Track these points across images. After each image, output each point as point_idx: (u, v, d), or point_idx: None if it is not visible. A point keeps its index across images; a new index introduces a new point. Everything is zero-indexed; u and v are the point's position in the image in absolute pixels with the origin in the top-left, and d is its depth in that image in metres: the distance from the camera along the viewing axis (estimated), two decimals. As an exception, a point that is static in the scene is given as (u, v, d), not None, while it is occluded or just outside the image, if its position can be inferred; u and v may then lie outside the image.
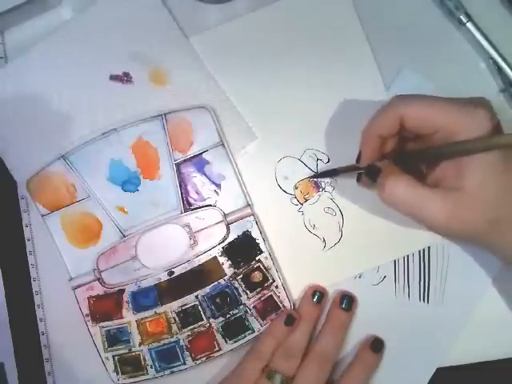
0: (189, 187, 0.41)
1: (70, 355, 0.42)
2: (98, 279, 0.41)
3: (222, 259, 0.40)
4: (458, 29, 0.41)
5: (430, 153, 0.35)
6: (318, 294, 0.40)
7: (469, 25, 0.40)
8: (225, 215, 0.40)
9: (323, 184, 0.41)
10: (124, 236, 0.41)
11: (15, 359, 0.42)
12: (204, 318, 0.41)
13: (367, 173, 0.37)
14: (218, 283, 0.40)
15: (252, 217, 0.40)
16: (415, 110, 0.34)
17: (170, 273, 0.40)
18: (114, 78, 0.41)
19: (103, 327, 0.41)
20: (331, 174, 0.41)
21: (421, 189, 0.34)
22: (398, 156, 0.37)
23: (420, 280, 0.41)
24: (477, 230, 0.33)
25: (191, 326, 0.41)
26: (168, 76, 0.41)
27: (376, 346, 0.40)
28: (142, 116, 0.40)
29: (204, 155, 0.41)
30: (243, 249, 0.40)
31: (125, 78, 0.41)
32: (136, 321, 0.41)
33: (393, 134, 0.35)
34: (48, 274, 0.42)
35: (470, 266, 0.41)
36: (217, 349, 0.41)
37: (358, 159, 0.37)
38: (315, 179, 0.41)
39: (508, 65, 0.40)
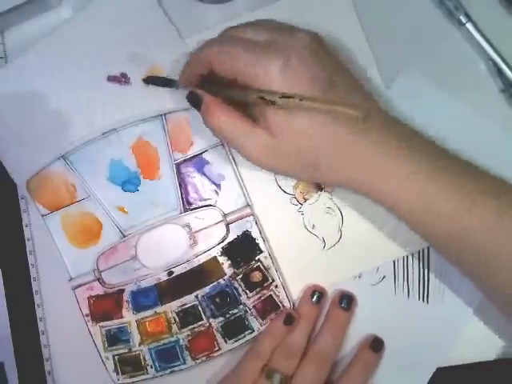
0: (189, 187, 0.41)
1: (69, 355, 0.42)
2: (98, 279, 0.41)
3: (221, 259, 0.40)
4: (457, 29, 0.41)
5: (228, 92, 0.35)
6: (317, 294, 0.40)
7: (468, 25, 0.40)
8: (224, 215, 0.40)
9: (323, 184, 0.41)
10: (124, 236, 0.41)
11: (15, 359, 0.42)
12: (204, 318, 0.41)
13: (189, 99, 0.37)
14: (218, 283, 0.41)
15: (252, 217, 0.40)
16: (218, 59, 0.34)
17: (170, 273, 0.40)
18: (111, 79, 0.41)
19: (103, 327, 0.41)
20: (164, 82, 0.40)
21: (244, 122, 0.34)
22: (210, 85, 0.37)
23: (420, 280, 0.41)
24: (295, 170, 0.35)
25: (191, 326, 0.41)
26: (166, 77, 0.41)
27: (376, 345, 0.40)
28: (142, 116, 0.41)
29: (204, 155, 0.41)
30: (243, 249, 0.40)
31: (122, 79, 0.41)
32: (136, 321, 0.41)
33: (208, 70, 0.36)
34: (48, 274, 0.42)
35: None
36: (216, 348, 0.41)
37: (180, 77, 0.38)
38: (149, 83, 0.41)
39: (508, 65, 0.40)
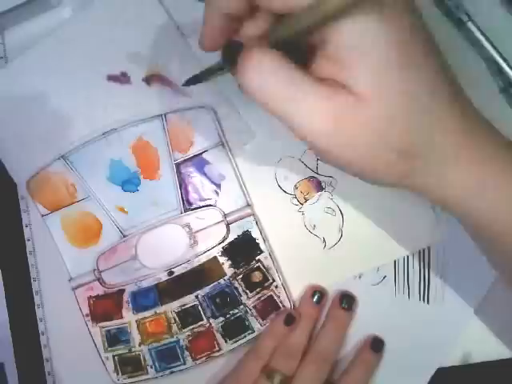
0: (189, 187, 0.41)
1: (70, 355, 0.42)
2: (98, 279, 0.41)
3: (221, 259, 0.40)
4: (458, 29, 0.41)
5: (287, 26, 0.24)
6: (317, 294, 0.40)
7: (469, 25, 0.40)
8: (225, 215, 0.40)
9: (323, 184, 0.41)
10: (124, 236, 0.41)
11: (15, 359, 0.42)
12: (204, 318, 0.41)
13: (226, 54, 0.27)
14: (218, 283, 0.40)
15: (252, 217, 0.40)
16: None
17: (170, 273, 0.40)
18: (111, 78, 0.41)
19: (103, 327, 0.41)
20: (196, 80, 0.33)
21: (299, 74, 0.23)
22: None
23: (420, 280, 0.41)
24: (377, 164, 0.23)
25: (191, 326, 0.41)
26: (166, 76, 0.41)
27: (376, 345, 0.40)
28: (142, 116, 0.40)
29: (204, 155, 0.41)
30: (243, 249, 0.40)
31: (122, 78, 0.41)
32: (136, 321, 0.41)
33: (241, 10, 0.25)
34: (48, 274, 0.42)
35: (470, 265, 0.41)
36: (217, 349, 0.41)
37: (201, 43, 0.27)
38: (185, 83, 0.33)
39: (508, 65, 0.40)
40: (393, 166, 0.23)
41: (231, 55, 0.25)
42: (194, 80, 0.33)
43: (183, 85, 0.34)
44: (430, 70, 0.23)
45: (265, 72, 0.23)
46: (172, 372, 0.41)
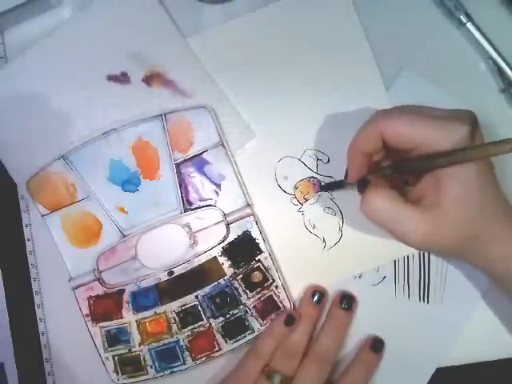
0: (189, 187, 0.41)
1: (69, 355, 0.42)
2: (98, 279, 0.41)
3: (221, 259, 0.40)
4: (458, 29, 0.41)
5: (405, 165, 0.35)
6: (317, 294, 0.40)
7: (469, 25, 0.40)
8: (225, 215, 0.40)
9: (323, 184, 0.41)
10: (124, 236, 0.41)
11: (15, 359, 0.42)
12: (204, 318, 0.41)
13: (359, 186, 0.37)
14: (218, 283, 0.40)
15: (252, 217, 0.40)
16: (393, 127, 0.33)
17: (170, 273, 0.40)
18: (111, 78, 0.41)
19: (103, 327, 0.41)
20: (337, 186, 0.41)
21: (400, 204, 0.34)
22: (381, 169, 0.37)
23: (420, 280, 0.41)
24: (453, 247, 0.34)
25: (191, 326, 0.41)
26: (166, 76, 0.41)
27: (376, 345, 0.40)
28: (142, 116, 0.40)
29: (204, 155, 0.41)
30: (243, 249, 0.40)
31: (122, 78, 0.41)
32: (136, 321, 0.41)
33: (376, 149, 0.35)
34: (48, 274, 0.42)
35: (470, 265, 0.41)
36: (217, 349, 0.41)
37: (346, 176, 0.38)
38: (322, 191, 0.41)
39: (508, 65, 0.40)
40: (457, 248, 0.34)
41: (361, 187, 0.37)
42: (332, 186, 0.41)
43: (324, 188, 0.41)
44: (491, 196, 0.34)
45: (376, 204, 0.34)
46: (172, 372, 0.41)
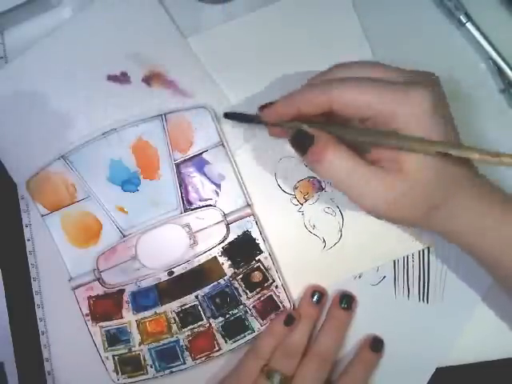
0: (189, 187, 0.41)
1: (70, 355, 0.42)
2: (98, 279, 0.41)
3: (221, 259, 0.40)
4: (458, 29, 0.41)
5: (361, 133, 0.32)
6: (317, 294, 0.40)
7: (469, 25, 0.40)
8: (225, 215, 0.40)
9: (323, 184, 0.41)
10: (124, 236, 0.41)
11: (15, 359, 0.42)
12: (204, 318, 0.41)
13: (294, 139, 0.32)
14: (218, 283, 0.40)
15: (252, 217, 0.40)
16: (346, 97, 0.31)
17: (170, 273, 0.40)
18: (111, 78, 0.41)
19: (103, 327, 0.41)
20: (245, 119, 0.38)
21: (362, 167, 0.31)
22: (328, 126, 0.33)
23: (420, 280, 0.41)
24: (416, 216, 0.32)
25: (191, 326, 0.41)
26: (166, 76, 0.41)
27: (376, 345, 0.40)
28: (142, 116, 0.40)
29: (204, 155, 0.41)
30: (243, 249, 0.40)
31: (122, 78, 0.41)
32: (136, 321, 0.41)
33: (315, 113, 0.32)
34: (48, 274, 0.42)
35: (470, 265, 0.41)
36: (216, 349, 0.41)
37: (262, 108, 0.35)
38: (228, 119, 0.39)
39: (508, 65, 0.40)
40: (426, 217, 0.32)
41: (301, 145, 0.32)
42: (233, 116, 0.39)
43: (224, 116, 0.39)
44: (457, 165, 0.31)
45: (337, 166, 0.31)
46: (172, 372, 0.41)
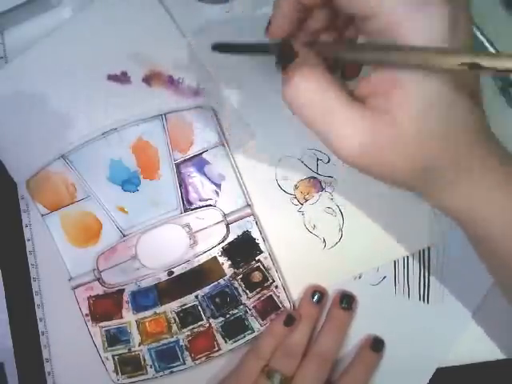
0: (189, 187, 0.41)
1: (70, 355, 0.42)
2: (98, 279, 0.41)
3: (221, 259, 0.40)
4: (458, 29, 0.41)
5: (355, 48, 0.26)
6: (317, 294, 0.40)
7: (469, 25, 0.40)
8: (225, 215, 0.40)
9: (323, 184, 0.41)
10: (124, 236, 0.41)
11: (15, 359, 0.42)
12: (204, 318, 0.41)
13: (278, 53, 0.27)
14: (218, 283, 0.40)
15: (252, 217, 0.40)
16: None
17: (170, 273, 0.40)
18: (111, 77, 0.41)
19: (103, 327, 0.41)
20: (232, 48, 0.33)
21: (336, 94, 0.25)
22: (319, 45, 0.28)
23: (420, 280, 0.41)
24: (400, 175, 0.25)
25: (191, 326, 0.41)
26: (166, 76, 0.41)
27: (376, 345, 0.40)
28: (142, 116, 0.40)
29: (204, 155, 0.41)
30: (243, 249, 0.40)
31: (123, 77, 0.41)
32: (136, 321, 0.41)
33: (317, 2, 0.27)
34: (48, 274, 0.42)
35: (470, 266, 0.41)
36: (216, 349, 0.41)
37: (267, 29, 0.29)
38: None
39: (508, 65, 0.40)
40: (406, 177, 0.26)
41: (284, 57, 0.27)
42: (225, 48, 0.33)
43: (212, 48, 0.33)
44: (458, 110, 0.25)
45: (304, 88, 0.25)
46: (172, 372, 0.41)
